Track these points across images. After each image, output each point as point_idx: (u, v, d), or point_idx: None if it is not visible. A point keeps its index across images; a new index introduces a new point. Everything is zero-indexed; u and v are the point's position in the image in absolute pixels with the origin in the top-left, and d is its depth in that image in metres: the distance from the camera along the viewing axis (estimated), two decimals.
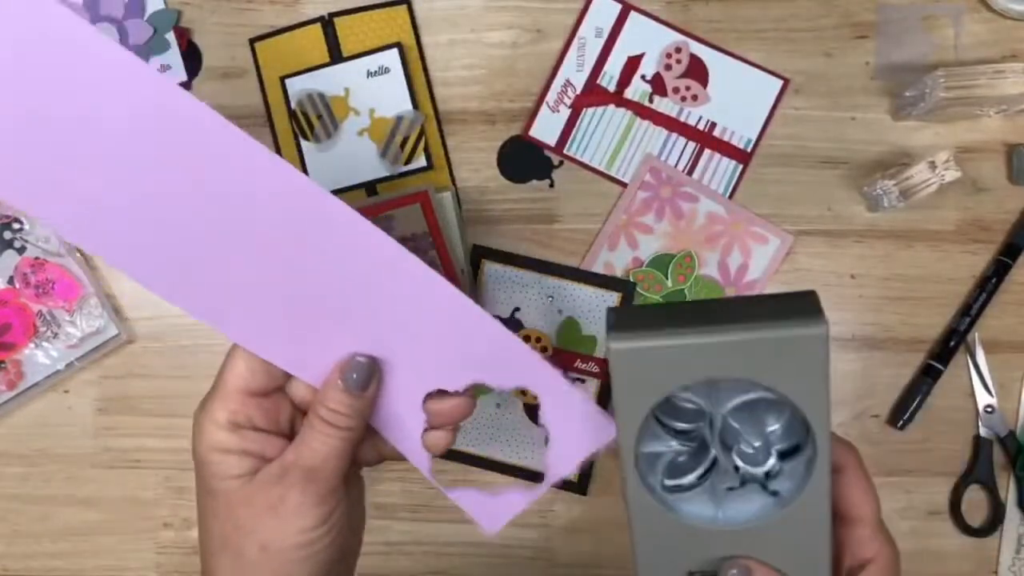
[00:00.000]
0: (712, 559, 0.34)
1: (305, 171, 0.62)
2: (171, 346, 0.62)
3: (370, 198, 0.61)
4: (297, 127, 0.61)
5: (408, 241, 0.59)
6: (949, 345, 0.59)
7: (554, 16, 0.62)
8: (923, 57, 0.60)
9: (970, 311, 0.59)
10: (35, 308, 0.61)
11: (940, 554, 0.60)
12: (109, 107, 0.31)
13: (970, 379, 0.60)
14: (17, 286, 0.61)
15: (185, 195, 0.33)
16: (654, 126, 0.61)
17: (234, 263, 0.35)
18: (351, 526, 0.39)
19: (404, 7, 0.61)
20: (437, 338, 0.37)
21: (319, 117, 0.61)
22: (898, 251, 0.61)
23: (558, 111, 0.61)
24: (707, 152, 0.61)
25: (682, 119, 0.61)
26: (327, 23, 0.61)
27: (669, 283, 0.61)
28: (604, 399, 0.61)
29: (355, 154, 0.61)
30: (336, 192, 0.62)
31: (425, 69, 0.62)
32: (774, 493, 0.34)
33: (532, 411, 0.61)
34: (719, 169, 0.61)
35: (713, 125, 0.61)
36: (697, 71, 0.61)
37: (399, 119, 0.61)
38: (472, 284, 0.61)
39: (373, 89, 0.61)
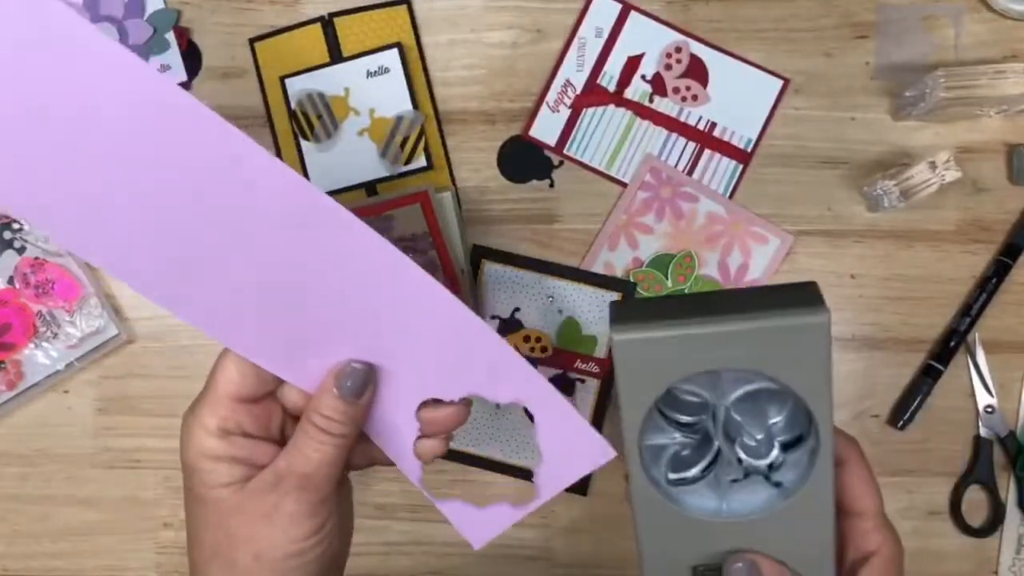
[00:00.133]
0: (717, 552, 0.34)
1: (305, 171, 0.62)
2: (171, 346, 0.62)
3: (370, 198, 0.61)
4: (297, 127, 0.61)
5: (408, 241, 0.58)
6: (949, 345, 0.59)
7: (554, 16, 0.62)
8: (923, 57, 0.60)
9: (970, 311, 0.59)
10: (35, 308, 0.61)
11: (940, 554, 0.60)
12: (107, 106, 0.31)
13: (970, 379, 0.60)
14: (17, 286, 0.60)
15: (181, 196, 0.33)
16: (654, 126, 0.61)
17: (226, 265, 0.34)
18: (342, 534, 0.39)
19: (404, 7, 0.61)
20: (435, 347, 0.37)
21: (319, 117, 0.61)
22: (898, 251, 0.61)
23: (558, 111, 0.61)
24: (707, 152, 0.61)
25: (682, 119, 0.61)
26: (327, 23, 0.61)
27: (669, 283, 0.61)
28: (604, 399, 0.61)
29: (355, 154, 0.61)
30: (336, 192, 0.62)
31: (425, 69, 0.62)
32: (777, 485, 0.34)
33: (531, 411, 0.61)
34: (719, 169, 0.61)
35: (713, 125, 0.61)
36: (697, 71, 0.61)
37: (399, 119, 0.61)
38: (472, 284, 0.61)
39: (373, 89, 0.61)
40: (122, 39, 0.61)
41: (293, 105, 0.61)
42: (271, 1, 0.62)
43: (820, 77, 0.61)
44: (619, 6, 0.61)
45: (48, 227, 0.33)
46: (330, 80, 0.61)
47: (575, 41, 0.61)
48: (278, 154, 0.62)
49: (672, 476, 0.34)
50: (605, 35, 0.61)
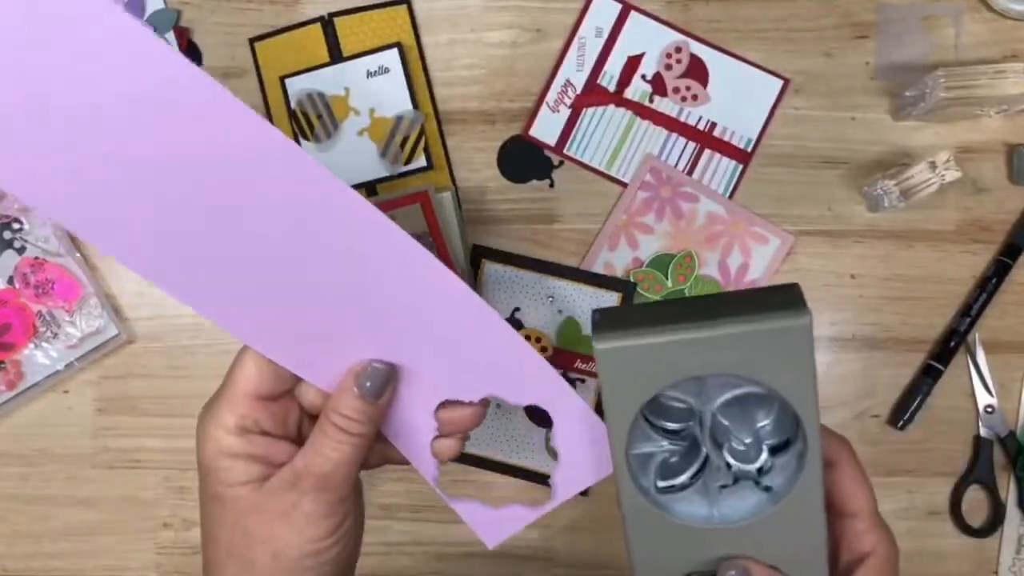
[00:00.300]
0: (709, 559, 0.34)
1: None
2: (171, 346, 0.62)
3: (370, 198, 0.61)
4: (297, 127, 0.61)
5: None
6: (949, 345, 0.59)
7: (554, 16, 0.62)
8: (923, 57, 0.60)
9: (970, 311, 0.59)
10: (35, 308, 0.61)
11: (940, 554, 0.60)
12: (122, 82, 0.29)
13: (970, 379, 0.60)
14: (17, 286, 0.60)
15: (199, 186, 0.31)
16: (654, 126, 0.61)
17: (247, 260, 0.33)
18: (356, 534, 0.39)
19: (404, 7, 0.61)
20: (455, 347, 0.36)
21: (319, 117, 0.61)
22: (898, 251, 0.61)
23: (558, 111, 0.61)
24: (707, 152, 0.61)
25: (682, 119, 0.61)
26: (327, 23, 0.61)
27: (669, 283, 0.61)
28: None
29: (355, 154, 0.61)
30: None
31: (425, 69, 0.62)
32: (767, 489, 0.34)
33: (532, 412, 0.61)
34: (719, 169, 0.61)
35: (713, 125, 0.61)
36: (697, 71, 0.61)
37: (399, 119, 0.61)
38: (472, 284, 0.61)
39: (373, 89, 0.61)
40: None
41: (293, 105, 0.61)
42: (271, 1, 0.62)
43: (820, 77, 0.61)
44: (619, 6, 0.61)
45: (58, 217, 0.32)
46: (330, 80, 0.61)
47: (575, 41, 0.61)
48: None
49: (661, 484, 0.34)
50: (605, 35, 0.61)
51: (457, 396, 0.37)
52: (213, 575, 0.37)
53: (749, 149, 0.61)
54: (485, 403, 0.38)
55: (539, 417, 0.61)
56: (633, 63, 0.61)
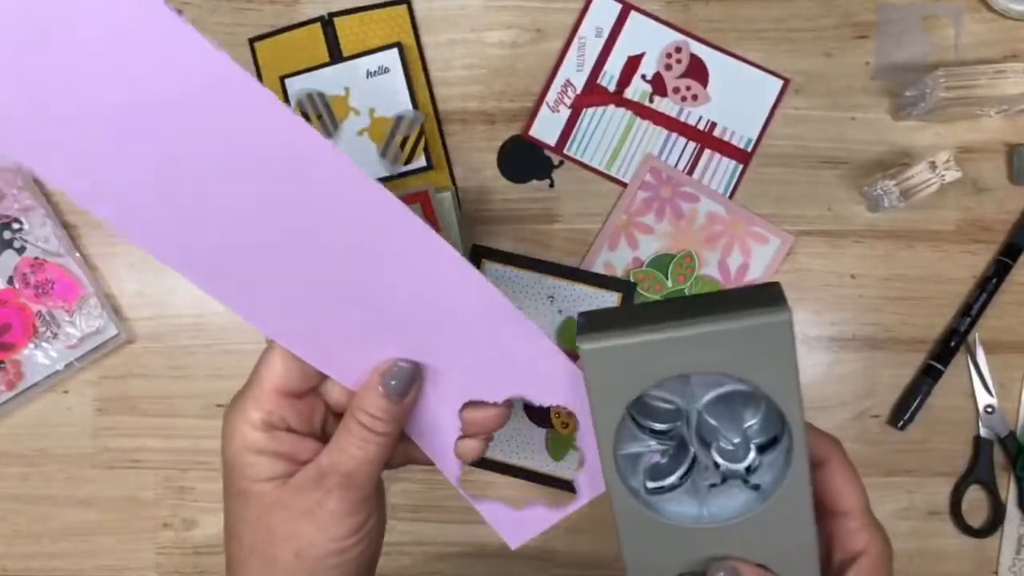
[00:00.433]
0: (700, 559, 0.34)
1: None
2: (171, 346, 0.62)
3: None
4: None
5: None
6: (949, 345, 0.59)
7: (554, 16, 0.62)
8: (923, 57, 0.60)
9: (970, 311, 0.59)
10: (35, 308, 0.61)
11: (940, 554, 0.60)
12: (173, 84, 0.29)
13: (970, 379, 0.60)
14: (17, 286, 0.60)
15: (232, 180, 0.31)
16: (654, 126, 0.61)
17: (278, 258, 0.33)
18: (378, 534, 0.39)
19: (404, 7, 0.61)
20: (482, 347, 0.36)
21: (319, 117, 0.61)
22: (898, 251, 0.61)
23: (558, 111, 0.61)
24: (707, 152, 0.61)
25: (682, 119, 0.61)
26: (327, 23, 0.61)
27: (669, 283, 0.61)
28: None
29: (355, 154, 0.61)
30: None
31: (425, 69, 0.62)
32: (756, 487, 0.34)
33: (531, 411, 0.61)
34: (719, 169, 0.61)
35: (713, 125, 0.61)
36: (697, 71, 0.61)
37: (399, 119, 0.61)
38: None
39: (373, 89, 0.61)
40: None
41: (293, 105, 0.61)
42: (271, 1, 0.62)
43: (820, 77, 0.61)
44: (619, 6, 0.61)
45: (101, 212, 0.32)
46: (330, 80, 0.61)
47: (575, 41, 0.61)
48: None
49: (651, 485, 0.34)
50: (605, 35, 0.61)
51: (482, 396, 0.37)
52: (235, 572, 0.36)
53: (749, 149, 0.61)
54: (509, 404, 0.38)
55: (539, 417, 0.61)
56: (633, 63, 0.61)
